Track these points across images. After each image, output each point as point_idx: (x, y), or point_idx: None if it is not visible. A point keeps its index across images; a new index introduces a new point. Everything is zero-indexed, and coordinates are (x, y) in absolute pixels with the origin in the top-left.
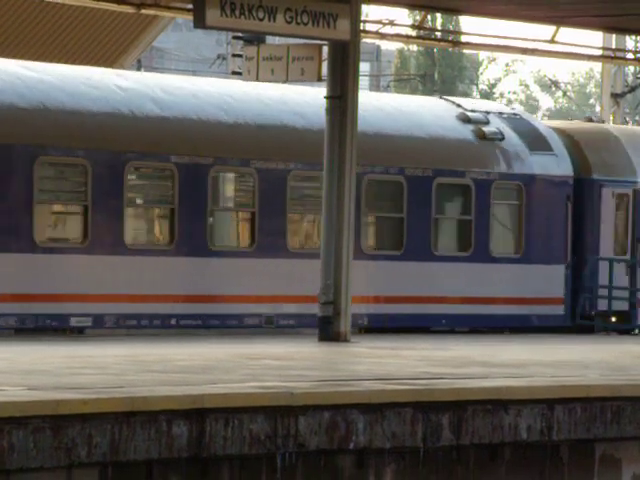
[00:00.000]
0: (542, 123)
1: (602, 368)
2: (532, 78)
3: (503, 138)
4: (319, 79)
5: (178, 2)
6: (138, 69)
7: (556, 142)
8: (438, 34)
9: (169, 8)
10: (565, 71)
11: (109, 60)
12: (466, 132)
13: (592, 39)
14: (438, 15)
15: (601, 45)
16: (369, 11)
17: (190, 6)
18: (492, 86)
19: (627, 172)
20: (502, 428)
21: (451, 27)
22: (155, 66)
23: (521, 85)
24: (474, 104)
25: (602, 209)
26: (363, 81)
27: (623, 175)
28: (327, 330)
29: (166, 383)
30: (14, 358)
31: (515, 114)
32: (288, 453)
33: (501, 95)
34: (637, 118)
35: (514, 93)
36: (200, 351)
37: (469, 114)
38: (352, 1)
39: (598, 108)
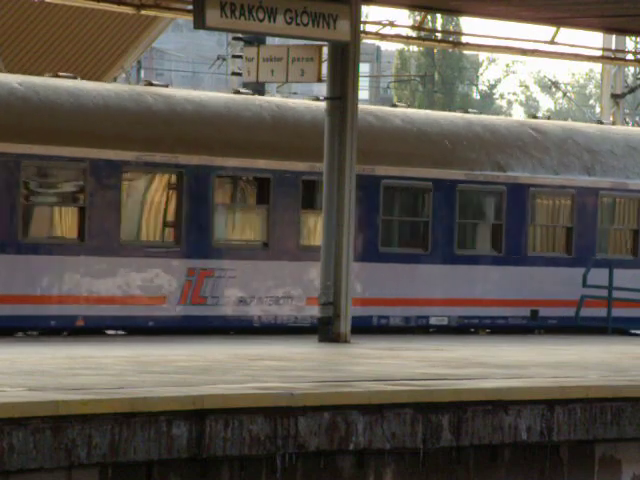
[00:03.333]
0: None
1: (602, 369)
2: (532, 79)
3: None
4: (319, 80)
5: (178, 3)
6: (138, 70)
7: None
8: (438, 35)
9: (169, 9)
10: (565, 72)
11: (109, 61)
12: None
13: (592, 40)
14: (438, 16)
15: (601, 46)
16: (369, 12)
17: (190, 7)
18: (492, 87)
19: None
20: (502, 429)
21: (451, 28)
22: (155, 67)
23: (521, 86)
24: None
25: None
26: (363, 82)
27: None
28: (327, 331)
29: (166, 384)
30: (14, 359)
31: None
32: (288, 454)
33: (501, 96)
34: (637, 119)
35: (514, 94)
36: (200, 352)
37: None
38: (352, 2)
39: (598, 109)
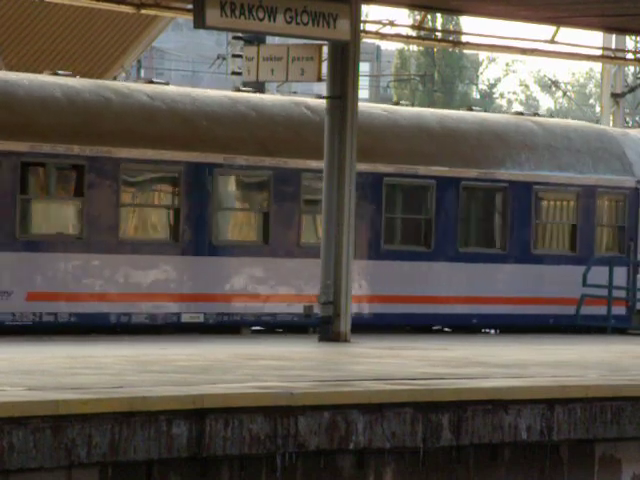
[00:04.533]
0: None
1: (602, 368)
2: (532, 78)
3: None
4: (319, 79)
5: (178, 2)
6: (138, 69)
7: None
8: (438, 34)
9: (169, 8)
10: (565, 71)
11: (109, 60)
12: None
13: (592, 39)
14: (438, 15)
15: (601, 45)
16: (369, 11)
17: (190, 6)
18: (492, 86)
19: None
20: (502, 428)
21: (451, 27)
22: (155, 66)
23: (521, 85)
24: None
25: None
26: (363, 81)
27: None
28: (327, 330)
29: (166, 383)
30: (14, 358)
31: None
32: (288, 453)
33: (501, 95)
34: (637, 118)
35: (514, 93)
36: (200, 351)
37: None
38: (352, 1)
39: (598, 108)
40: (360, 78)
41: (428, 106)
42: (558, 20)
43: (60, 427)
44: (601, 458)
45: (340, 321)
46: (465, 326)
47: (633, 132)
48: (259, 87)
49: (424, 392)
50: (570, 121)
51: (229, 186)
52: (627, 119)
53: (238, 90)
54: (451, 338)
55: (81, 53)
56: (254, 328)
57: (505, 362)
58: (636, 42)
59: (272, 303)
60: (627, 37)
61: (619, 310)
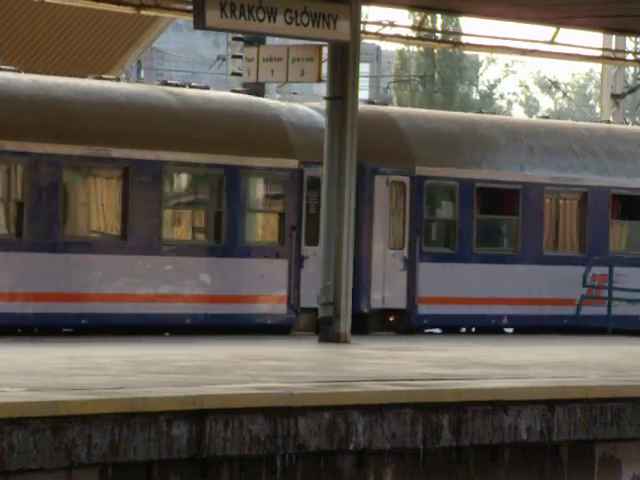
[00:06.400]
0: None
1: (602, 369)
2: (532, 79)
3: None
4: (319, 80)
5: (178, 3)
6: (138, 70)
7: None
8: (438, 35)
9: (169, 9)
10: (565, 72)
11: (109, 61)
12: None
13: (592, 40)
14: (438, 16)
15: (601, 46)
16: (369, 12)
17: (190, 7)
18: (492, 87)
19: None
20: (502, 429)
21: (450, 28)
22: (155, 67)
23: (521, 86)
24: None
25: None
26: (363, 82)
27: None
28: (327, 331)
29: (166, 384)
30: (14, 359)
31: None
32: (288, 454)
33: (501, 96)
34: (637, 119)
35: (514, 94)
36: (199, 352)
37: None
38: (352, 2)
39: (598, 109)
40: (360, 79)
41: (428, 107)
42: (558, 21)
43: (60, 428)
44: (601, 459)
45: (340, 322)
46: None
47: (300, 106)
48: (259, 88)
49: (424, 393)
50: (210, 92)
51: None
52: (627, 120)
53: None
54: (451, 339)
55: (81, 54)
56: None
57: (505, 363)
58: (636, 43)
59: None
60: (627, 38)
61: (280, 309)
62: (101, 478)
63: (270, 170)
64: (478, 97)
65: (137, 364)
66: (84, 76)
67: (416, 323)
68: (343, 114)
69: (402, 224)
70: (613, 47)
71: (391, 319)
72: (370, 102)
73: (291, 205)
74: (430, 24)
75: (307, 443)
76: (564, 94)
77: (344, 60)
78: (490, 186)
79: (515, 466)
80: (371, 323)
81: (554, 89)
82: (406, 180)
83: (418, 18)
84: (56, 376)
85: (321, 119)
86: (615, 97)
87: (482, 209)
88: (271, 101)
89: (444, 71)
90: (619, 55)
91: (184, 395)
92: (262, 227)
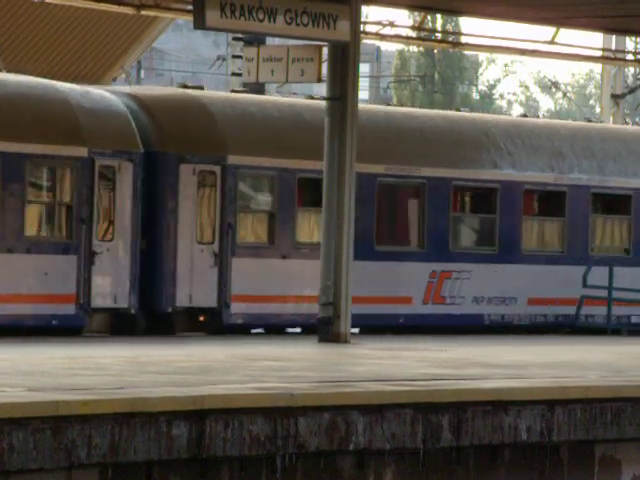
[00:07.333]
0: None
1: (602, 369)
2: (532, 79)
3: None
4: (319, 80)
5: (178, 3)
6: (138, 70)
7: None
8: (438, 35)
9: (169, 9)
10: (565, 72)
11: (109, 61)
12: None
13: (592, 40)
14: (438, 16)
15: (601, 46)
16: (369, 12)
17: (190, 7)
18: (492, 87)
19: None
20: (502, 429)
21: (450, 28)
22: (155, 67)
23: (521, 86)
24: None
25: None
26: (363, 82)
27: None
28: (327, 331)
29: (166, 384)
30: (14, 359)
31: None
32: (288, 454)
33: (501, 96)
34: (637, 119)
35: (514, 94)
36: (199, 352)
37: None
38: (352, 2)
39: (598, 109)
40: (360, 79)
41: (429, 107)
42: (558, 21)
43: (60, 428)
44: (601, 459)
45: (340, 322)
46: None
47: (95, 90)
48: (259, 88)
49: (424, 393)
50: None
51: None
52: (627, 120)
53: None
54: (451, 339)
55: (81, 54)
56: None
57: (505, 363)
58: (636, 43)
59: None
60: (627, 38)
61: (67, 309)
62: (101, 478)
63: (55, 158)
64: (478, 97)
65: (137, 364)
66: None
67: (229, 323)
68: (343, 114)
69: (212, 217)
70: (613, 47)
71: (201, 319)
72: (184, 86)
73: (80, 197)
74: (430, 24)
75: (307, 443)
76: (564, 94)
77: (344, 60)
78: (314, 177)
79: (515, 466)
80: (177, 323)
81: (554, 89)
82: (217, 169)
83: (418, 18)
84: (56, 376)
85: (118, 103)
86: (615, 97)
87: (304, 201)
88: (61, 84)
89: (444, 71)
90: (619, 55)
91: (184, 395)
92: (48, 220)
